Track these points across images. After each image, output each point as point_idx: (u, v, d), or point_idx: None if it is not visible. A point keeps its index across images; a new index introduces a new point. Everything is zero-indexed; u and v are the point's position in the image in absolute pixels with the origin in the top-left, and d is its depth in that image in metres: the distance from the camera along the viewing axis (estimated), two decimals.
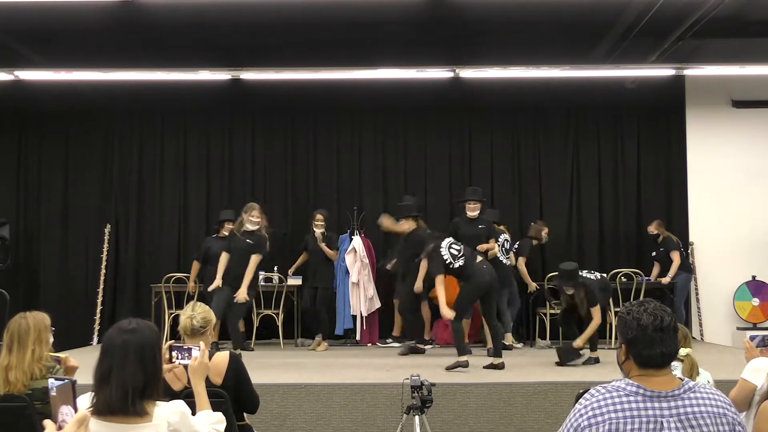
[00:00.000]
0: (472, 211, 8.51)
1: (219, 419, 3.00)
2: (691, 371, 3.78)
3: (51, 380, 2.28)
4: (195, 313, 3.73)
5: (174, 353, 3.26)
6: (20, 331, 3.65)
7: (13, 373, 3.57)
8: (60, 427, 2.10)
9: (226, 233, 8.88)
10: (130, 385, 2.49)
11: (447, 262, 7.11)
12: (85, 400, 2.55)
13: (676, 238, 9.76)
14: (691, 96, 10.46)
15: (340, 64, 9.52)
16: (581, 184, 10.53)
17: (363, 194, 10.43)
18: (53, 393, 2.24)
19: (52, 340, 3.79)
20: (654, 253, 9.82)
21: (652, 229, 9.82)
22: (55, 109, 10.41)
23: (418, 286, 8.28)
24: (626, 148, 10.55)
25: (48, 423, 2.04)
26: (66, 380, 2.29)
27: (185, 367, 3.24)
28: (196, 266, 9.22)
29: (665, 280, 9.50)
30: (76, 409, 2.20)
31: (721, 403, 2.32)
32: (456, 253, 7.18)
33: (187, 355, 3.24)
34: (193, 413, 2.80)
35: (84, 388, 2.56)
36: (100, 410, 2.49)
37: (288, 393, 5.82)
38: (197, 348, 3.24)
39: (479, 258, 7.36)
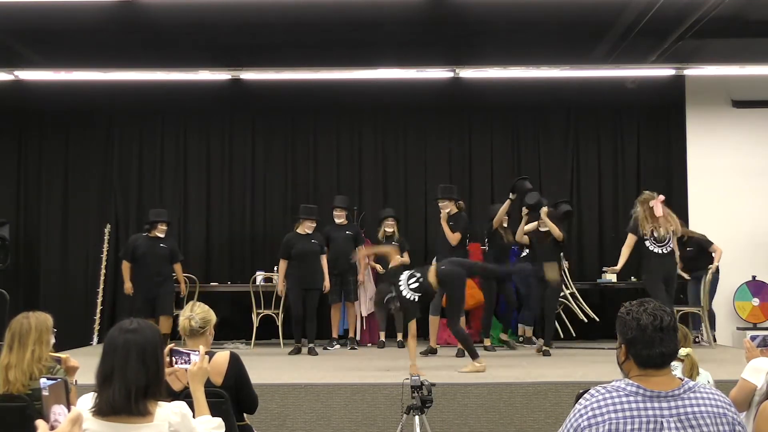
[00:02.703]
0: (444, 209, 8.48)
1: (218, 424, 3.00)
2: (691, 371, 3.78)
3: (43, 380, 2.26)
4: (194, 314, 3.74)
5: (174, 357, 3.29)
6: (21, 331, 3.65)
7: (13, 372, 3.57)
8: (53, 427, 2.08)
9: (160, 234, 8.75)
10: (133, 384, 2.49)
11: None
12: (87, 400, 2.56)
13: (698, 235, 9.42)
14: (691, 96, 10.46)
15: (340, 64, 9.53)
16: (581, 184, 10.53)
17: (363, 194, 10.43)
18: (45, 392, 2.22)
19: (53, 341, 3.78)
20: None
21: None
22: (55, 109, 10.41)
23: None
24: (626, 148, 10.55)
25: (40, 423, 2.02)
26: (58, 379, 2.28)
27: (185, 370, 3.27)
28: (126, 266, 8.78)
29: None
30: (69, 409, 2.19)
31: (721, 403, 2.31)
32: None
33: (187, 359, 3.26)
34: (192, 416, 2.80)
35: (85, 388, 2.56)
36: (103, 410, 2.49)
37: (288, 393, 5.81)
38: (196, 352, 3.25)
39: None
